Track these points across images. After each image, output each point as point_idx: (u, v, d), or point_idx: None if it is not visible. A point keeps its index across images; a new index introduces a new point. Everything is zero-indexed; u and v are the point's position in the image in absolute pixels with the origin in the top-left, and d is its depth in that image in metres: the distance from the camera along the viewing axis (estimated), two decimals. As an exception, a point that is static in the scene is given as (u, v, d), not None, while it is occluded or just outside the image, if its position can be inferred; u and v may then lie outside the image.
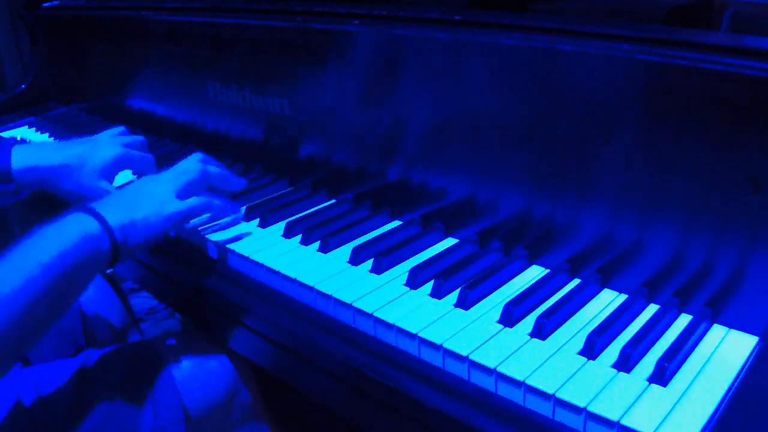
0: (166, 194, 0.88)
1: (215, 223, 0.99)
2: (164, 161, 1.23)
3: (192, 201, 0.89)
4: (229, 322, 0.88)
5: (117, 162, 1.06)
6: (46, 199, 1.25)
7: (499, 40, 0.80)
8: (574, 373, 0.63)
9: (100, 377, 0.87)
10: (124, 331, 1.21)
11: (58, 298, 0.74)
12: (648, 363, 0.64)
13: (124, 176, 1.18)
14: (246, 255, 0.88)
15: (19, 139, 1.50)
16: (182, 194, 0.89)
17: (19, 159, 1.02)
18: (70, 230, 0.78)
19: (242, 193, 1.07)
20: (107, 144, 1.07)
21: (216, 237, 0.94)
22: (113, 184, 1.06)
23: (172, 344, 0.94)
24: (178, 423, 0.88)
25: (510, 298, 0.74)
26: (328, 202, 1.05)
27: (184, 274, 0.96)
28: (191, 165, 0.94)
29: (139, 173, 1.13)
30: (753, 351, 0.66)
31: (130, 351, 0.92)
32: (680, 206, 0.70)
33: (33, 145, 1.09)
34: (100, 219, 0.81)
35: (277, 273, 0.84)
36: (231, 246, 0.91)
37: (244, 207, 1.01)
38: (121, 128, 1.17)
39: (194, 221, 0.98)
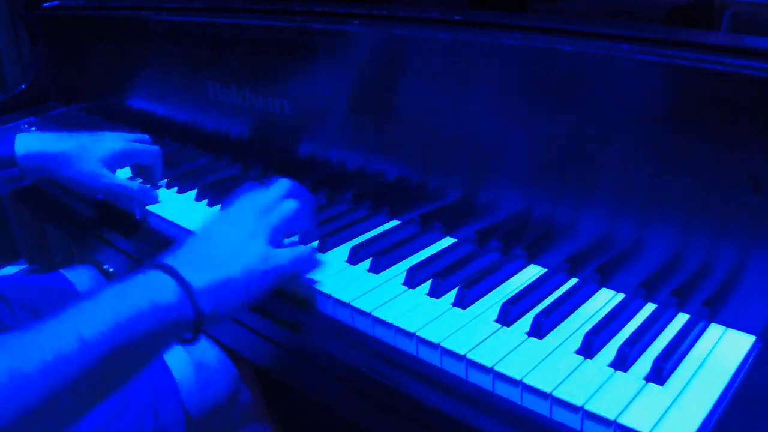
0: (260, 243, 0.72)
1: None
2: (164, 161, 1.23)
3: (292, 253, 0.74)
4: (229, 322, 0.88)
5: (120, 154, 1.06)
6: (45, 197, 1.25)
7: (499, 40, 0.80)
8: (572, 372, 0.63)
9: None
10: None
11: (102, 384, 0.58)
12: (645, 362, 0.64)
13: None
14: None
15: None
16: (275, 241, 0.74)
17: (22, 145, 1.04)
18: (136, 294, 0.61)
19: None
20: (111, 137, 1.08)
21: None
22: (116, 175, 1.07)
23: (173, 346, 0.94)
24: (179, 425, 0.88)
25: (508, 297, 0.74)
26: (328, 202, 1.05)
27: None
28: (280, 202, 0.78)
29: (145, 167, 1.13)
30: (750, 350, 0.66)
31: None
32: (679, 206, 0.70)
33: (37, 133, 1.09)
34: (182, 282, 0.64)
35: (275, 272, 0.84)
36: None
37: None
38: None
39: None
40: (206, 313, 0.64)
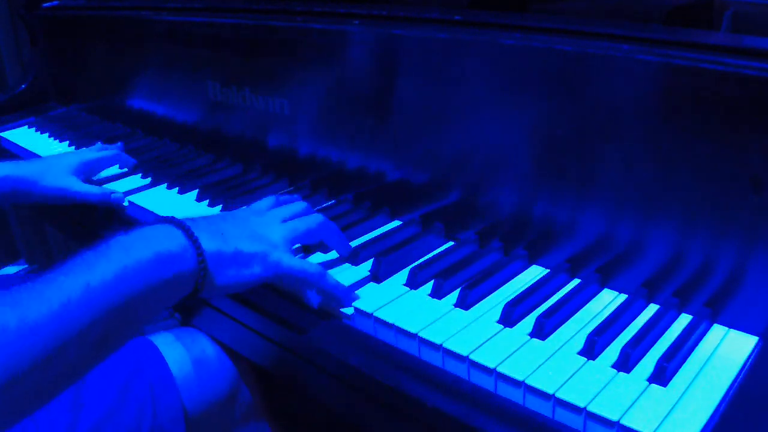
0: (278, 239, 0.75)
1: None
2: (164, 161, 1.24)
3: (306, 265, 0.75)
4: (229, 320, 0.88)
5: (85, 164, 1.13)
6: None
7: (499, 40, 0.80)
8: (574, 373, 0.63)
9: (99, 376, 0.87)
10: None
11: (108, 333, 0.58)
12: (648, 363, 0.64)
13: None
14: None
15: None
16: (293, 242, 0.77)
17: None
18: (141, 244, 0.62)
19: (242, 194, 1.07)
20: (71, 153, 1.17)
21: None
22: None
23: (172, 343, 0.94)
24: (178, 422, 0.88)
25: (510, 298, 0.74)
26: (328, 203, 1.05)
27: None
28: (311, 215, 0.83)
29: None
30: (753, 351, 0.66)
31: (129, 350, 0.92)
32: (680, 206, 0.70)
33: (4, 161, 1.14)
34: (190, 236, 0.65)
35: (276, 273, 0.84)
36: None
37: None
38: None
39: None
40: (210, 270, 0.65)
